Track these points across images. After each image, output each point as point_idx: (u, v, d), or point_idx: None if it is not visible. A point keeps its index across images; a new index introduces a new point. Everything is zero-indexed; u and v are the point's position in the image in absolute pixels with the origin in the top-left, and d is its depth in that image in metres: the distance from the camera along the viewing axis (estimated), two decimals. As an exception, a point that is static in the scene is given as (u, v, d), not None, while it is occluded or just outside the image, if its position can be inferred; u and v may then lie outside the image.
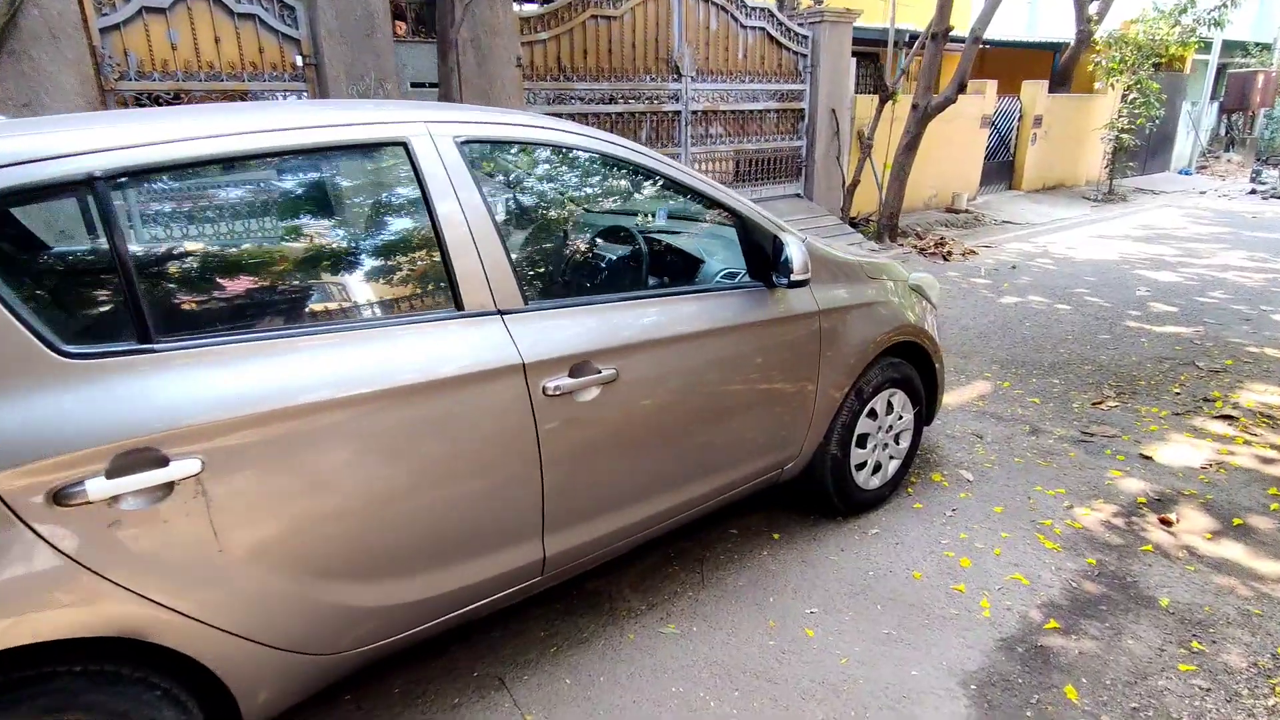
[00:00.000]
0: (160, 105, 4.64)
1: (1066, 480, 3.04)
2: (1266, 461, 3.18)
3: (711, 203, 2.17)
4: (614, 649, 2.13)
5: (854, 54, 8.58)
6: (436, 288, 1.68)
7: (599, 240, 2.32)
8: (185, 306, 1.45)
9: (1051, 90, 12.05)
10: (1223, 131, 17.72)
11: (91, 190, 1.30)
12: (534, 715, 1.89)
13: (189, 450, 1.32)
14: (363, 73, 5.26)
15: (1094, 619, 2.21)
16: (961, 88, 7.67)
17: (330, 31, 5.10)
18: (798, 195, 8.55)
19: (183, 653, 1.38)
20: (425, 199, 1.64)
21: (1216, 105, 17.29)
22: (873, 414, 2.68)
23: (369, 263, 1.68)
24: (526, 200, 2.08)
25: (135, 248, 1.39)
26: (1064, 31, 13.48)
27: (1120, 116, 11.47)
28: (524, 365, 1.70)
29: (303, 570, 1.48)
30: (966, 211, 10.19)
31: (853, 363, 2.50)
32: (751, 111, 7.84)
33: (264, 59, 5.07)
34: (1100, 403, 3.84)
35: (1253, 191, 12.67)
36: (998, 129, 11.32)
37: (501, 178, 1.96)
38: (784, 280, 2.11)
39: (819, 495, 2.67)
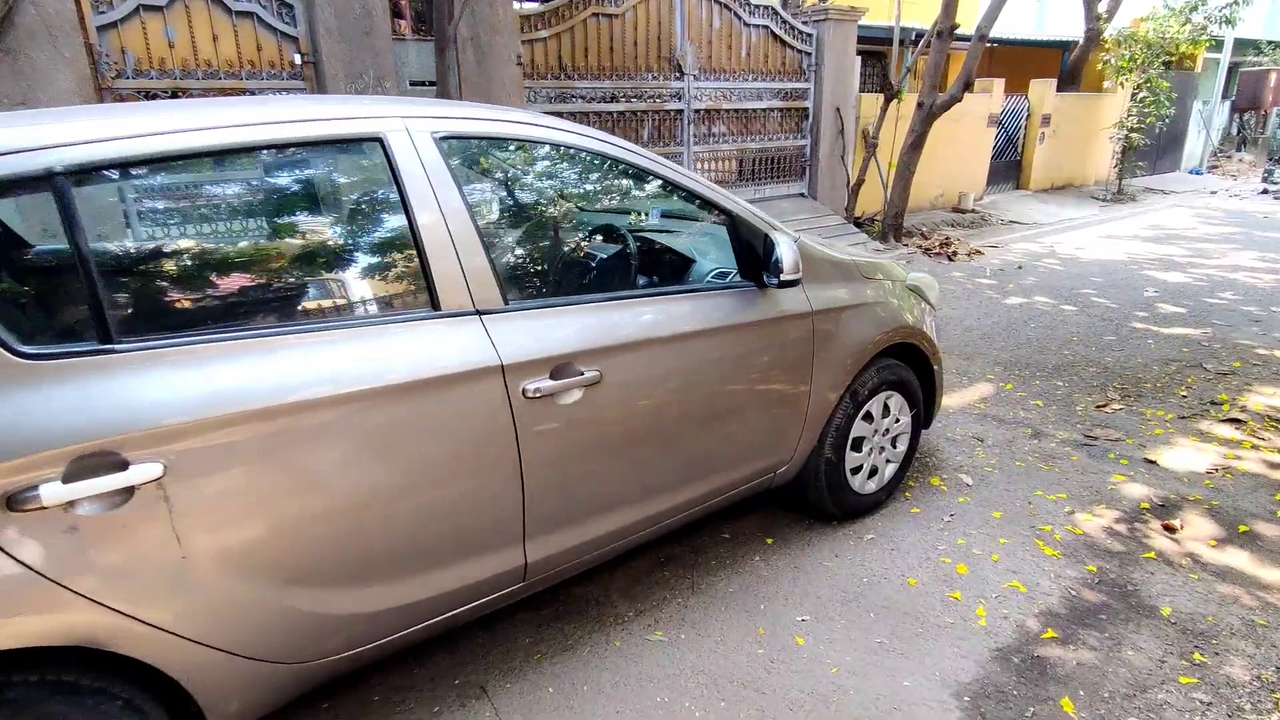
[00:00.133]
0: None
1: (1068, 485, 2.98)
2: (1274, 466, 3.11)
3: (700, 200, 2.12)
4: (599, 657, 2.08)
5: (859, 52, 8.51)
6: (412, 287, 1.64)
7: (585, 239, 2.27)
8: (149, 306, 1.42)
9: (1060, 89, 11.93)
10: (1234, 131, 17.54)
11: (51, 186, 1.26)
12: (515, 725, 1.85)
13: (150, 454, 1.28)
14: (361, 71, 5.23)
15: (1093, 629, 2.15)
16: (967, 86, 7.58)
17: (328, 30, 5.07)
18: (801, 195, 8.49)
19: (145, 662, 1.34)
20: (401, 196, 1.60)
21: (1228, 104, 17.12)
22: (868, 417, 2.62)
23: (341, 262, 1.64)
24: (509, 198, 2.03)
25: (97, 245, 1.36)
26: (1073, 30, 13.35)
27: (1130, 115, 11.34)
28: (502, 367, 1.65)
29: (271, 577, 1.45)
30: (973, 211, 10.09)
31: (847, 365, 2.45)
32: (755, 110, 7.78)
33: (262, 57, 5.05)
34: (1104, 405, 3.77)
35: (1264, 191, 12.52)
36: (1005, 128, 11.22)
37: (483, 175, 1.92)
38: (774, 280, 2.06)
39: (813, 500, 2.62)
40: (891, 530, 2.67)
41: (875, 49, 10.97)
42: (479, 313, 1.67)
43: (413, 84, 5.61)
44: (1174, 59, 11.57)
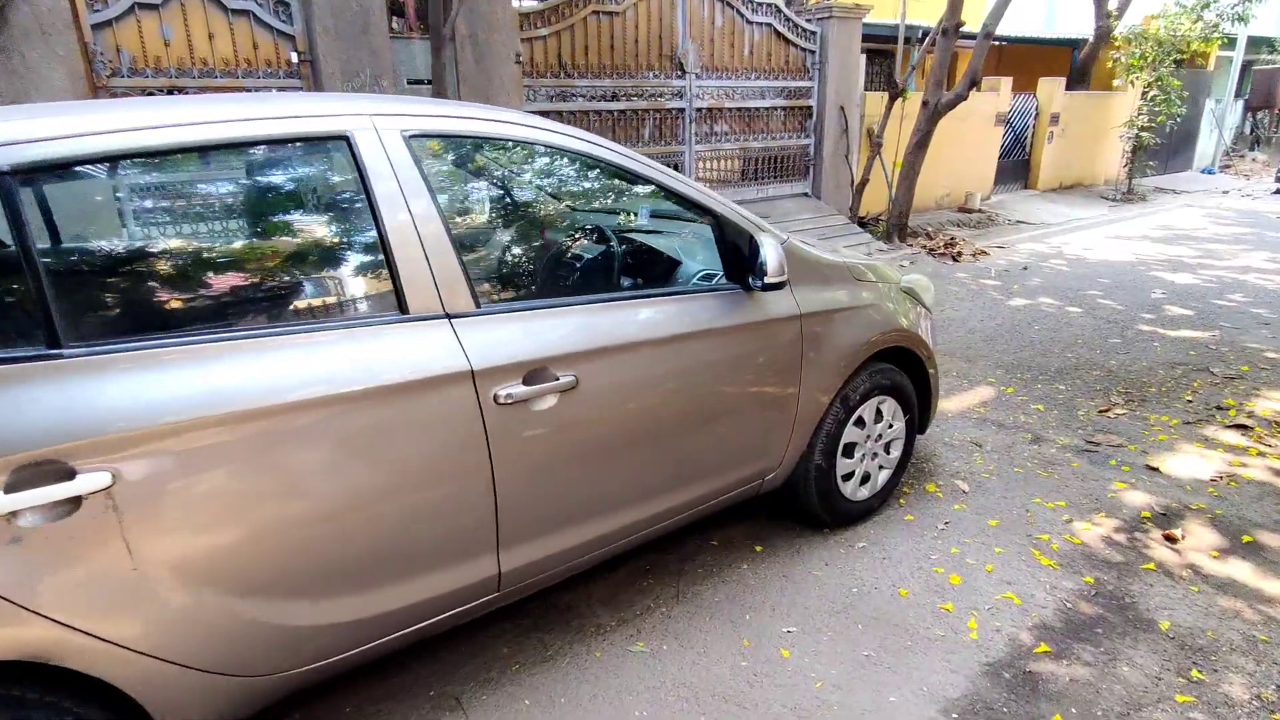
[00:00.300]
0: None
1: (1067, 492, 2.91)
2: (1281, 474, 3.03)
3: (684, 201, 2.07)
4: (579, 668, 2.03)
5: (864, 50, 8.43)
6: (379, 290, 1.59)
7: (565, 241, 2.22)
8: (100, 310, 1.37)
9: (1069, 87, 11.79)
10: (1247, 130, 17.31)
11: (-5, 185, 1.22)
12: (488, 739, 1.81)
13: (98, 463, 1.24)
14: (358, 69, 5.20)
15: (1088, 643, 2.09)
16: (973, 84, 7.49)
17: (325, 28, 5.05)
18: (805, 194, 8.41)
19: (95, 677, 1.30)
20: (367, 196, 1.56)
21: (1241, 103, 16.89)
22: (860, 422, 2.56)
23: (303, 265, 1.60)
24: (484, 198, 1.99)
25: (45, 246, 1.32)
26: (1083, 28, 13.20)
27: (1140, 114, 11.20)
28: (472, 372, 1.61)
29: (229, 589, 1.40)
30: (980, 211, 9.99)
31: (838, 369, 2.39)
32: (757, 109, 7.71)
33: (258, 55, 5.03)
34: (1107, 410, 3.70)
35: (1277, 191, 12.34)
36: (1013, 127, 11.10)
37: (457, 174, 1.87)
38: (758, 283, 2.01)
39: (803, 507, 2.56)
40: (884, 538, 2.61)
41: (880, 47, 10.86)
42: (449, 316, 1.62)
43: (411, 82, 5.58)
44: (1185, 57, 11.41)
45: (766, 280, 1.98)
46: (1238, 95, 16.55)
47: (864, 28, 8.23)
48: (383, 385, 1.50)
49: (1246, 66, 16.33)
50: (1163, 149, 12.98)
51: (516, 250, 2.03)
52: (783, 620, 2.21)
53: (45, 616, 1.23)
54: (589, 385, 1.79)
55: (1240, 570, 2.40)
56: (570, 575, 2.04)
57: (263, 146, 1.53)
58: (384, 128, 1.61)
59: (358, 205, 1.58)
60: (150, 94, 4.66)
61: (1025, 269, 7.01)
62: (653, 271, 2.33)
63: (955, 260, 7.45)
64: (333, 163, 1.60)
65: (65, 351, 1.25)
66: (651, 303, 1.98)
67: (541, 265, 2.09)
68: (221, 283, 1.49)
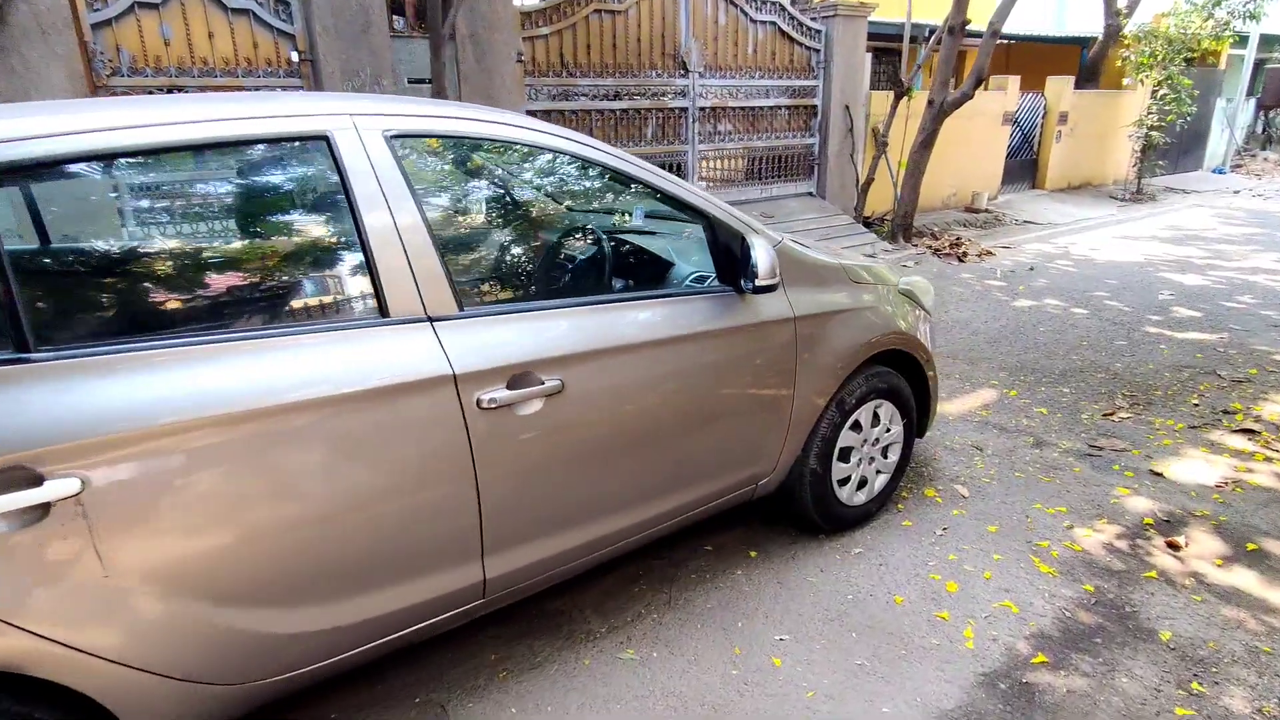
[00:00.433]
0: (152, 102, 4.59)
1: (1069, 498, 2.86)
2: (1288, 480, 2.97)
3: (674, 201, 2.04)
4: (567, 675, 2.00)
5: (869, 49, 8.36)
6: (359, 293, 1.57)
7: (551, 243, 2.19)
8: (71, 313, 1.35)
9: (1078, 86, 11.69)
10: (1259, 129, 17.13)
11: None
12: (472, 748, 1.78)
13: (68, 468, 1.22)
14: (358, 68, 5.19)
15: (1086, 653, 2.05)
16: (979, 83, 7.42)
17: (325, 27, 5.03)
18: (810, 194, 8.36)
19: (66, 686, 1.28)
20: (347, 197, 1.53)
21: (1253, 102, 16.71)
22: (857, 426, 2.52)
23: (282, 268, 1.57)
24: (469, 199, 1.96)
25: (14, 249, 1.29)
26: (1092, 26, 13.08)
27: (1150, 113, 11.07)
28: (455, 376, 1.58)
29: (203, 596, 1.38)
30: (986, 211, 9.91)
31: (833, 372, 2.35)
32: (762, 108, 7.66)
33: (258, 55, 5.02)
34: (1112, 414, 3.64)
35: (1290, 191, 12.19)
36: (1021, 126, 11.00)
37: (442, 175, 1.84)
38: (749, 285, 1.97)
39: (798, 512, 2.52)
40: (880, 544, 2.57)
41: (886, 46, 10.80)
42: (431, 319, 1.59)
43: (411, 81, 5.56)
44: (1196, 55, 11.28)
45: (758, 283, 1.95)
46: (1249, 94, 16.37)
47: (869, 26, 8.18)
48: (362, 390, 1.48)
49: (1259, 65, 16.15)
50: (1173, 148, 12.86)
51: (502, 252, 2.00)
52: (775, 628, 2.17)
53: (13, 625, 1.21)
54: (575, 389, 1.76)
55: (1244, 579, 2.35)
56: (560, 581, 2.02)
57: (240, 147, 1.50)
58: (365, 127, 1.58)
59: (337, 206, 1.55)
60: (150, 93, 4.65)
61: (1031, 270, 6.94)
62: (644, 273, 2.29)
63: (960, 260, 7.39)
64: (312, 163, 1.57)
65: (34, 356, 1.23)
66: (641, 305, 1.95)
67: (528, 267, 2.07)
68: (196, 286, 1.47)
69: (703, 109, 7.21)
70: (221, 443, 1.35)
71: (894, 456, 2.70)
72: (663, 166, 7.05)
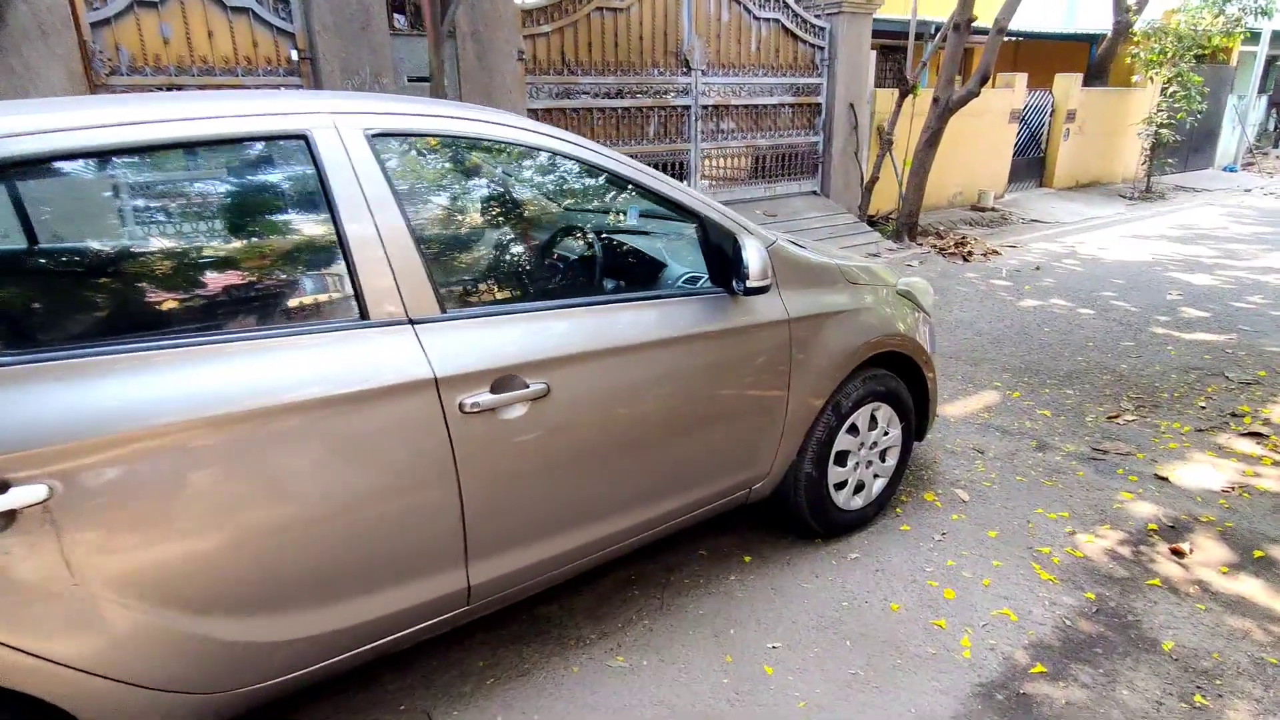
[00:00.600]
0: (151, 101, 4.58)
1: (1072, 503, 2.81)
2: (1296, 485, 2.92)
3: (665, 201, 2.00)
4: (555, 683, 1.97)
5: (874, 47, 8.30)
6: (338, 295, 1.54)
7: (539, 243, 2.16)
8: (38, 316, 1.33)
9: (1086, 83, 11.58)
10: (1271, 126, 16.94)
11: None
12: (456, 757, 1.75)
13: (34, 475, 1.19)
14: (358, 67, 5.17)
15: (1087, 663, 2.00)
16: (985, 80, 7.35)
17: (324, 25, 5.01)
18: (814, 192, 8.30)
19: (34, 696, 1.26)
20: (327, 197, 1.50)
21: (1265, 99, 16.53)
22: (854, 430, 2.48)
23: (258, 269, 1.54)
24: (453, 199, 1.92)
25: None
26: (1101, 23, 12.96)
27: (1159, 111, 10.96)
28: (436, 380, 1.55)
29: (176, 605, 1.35)
30: (993, 210, 9.82)
31: (829, 375, 2.31)
32: (765, 106, 7.61)
33: (258, 53, 5.00)
34: (1116, 416, 3.58)
35: (1302, 189, 12.06)
36: (1028, 124, 10.90)
37: (426, 175, 1.81)
38: (740, 286, 1.93)
39: (793, 517, 2.48)
40: (877, 549, 2.53)
41: (891, 43, 10.73)
42: (412, 322, 1.56)
43: (412, 80, 5.53)
44: (1207, 52, 11.16)
45: (749, 284, 1.91)
46: (1261, 91, 16.19)
47: (874, 23, 8.11)
48: (339, 394, 1.45)
49: (1271, 62, 15.98)
50: (1183, 146, 12.72)
51: (487, 253, 1.96)
52: (768, 635, 2.13)
53: (-21, 634, 1.18)
54: (562, 393, 1.73)
55: (1250, 588, 2.30)
56: (548, 587, 1.98)
57: (215, 147, 1.47)
58: (345, 126, 1.55)
59: (316, 207, 1.52)
60: (149, 93, 4.64)
61: (1037, 269, 6.87)
62: (635, 274, 2.26)
63: (966, 260, 7.32)
64: (291, 163, 1.54)
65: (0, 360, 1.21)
66: (630, 306, 1.91)
67: (514, 268, 2.03)
68: (169, 289, 1.44)
69: (705, 107, 7.16)
70: (196, 448, 1.33)
71: (892, 460, 2.66)
72: (666, 165, 7.05)
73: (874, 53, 8.29)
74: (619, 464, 1.91)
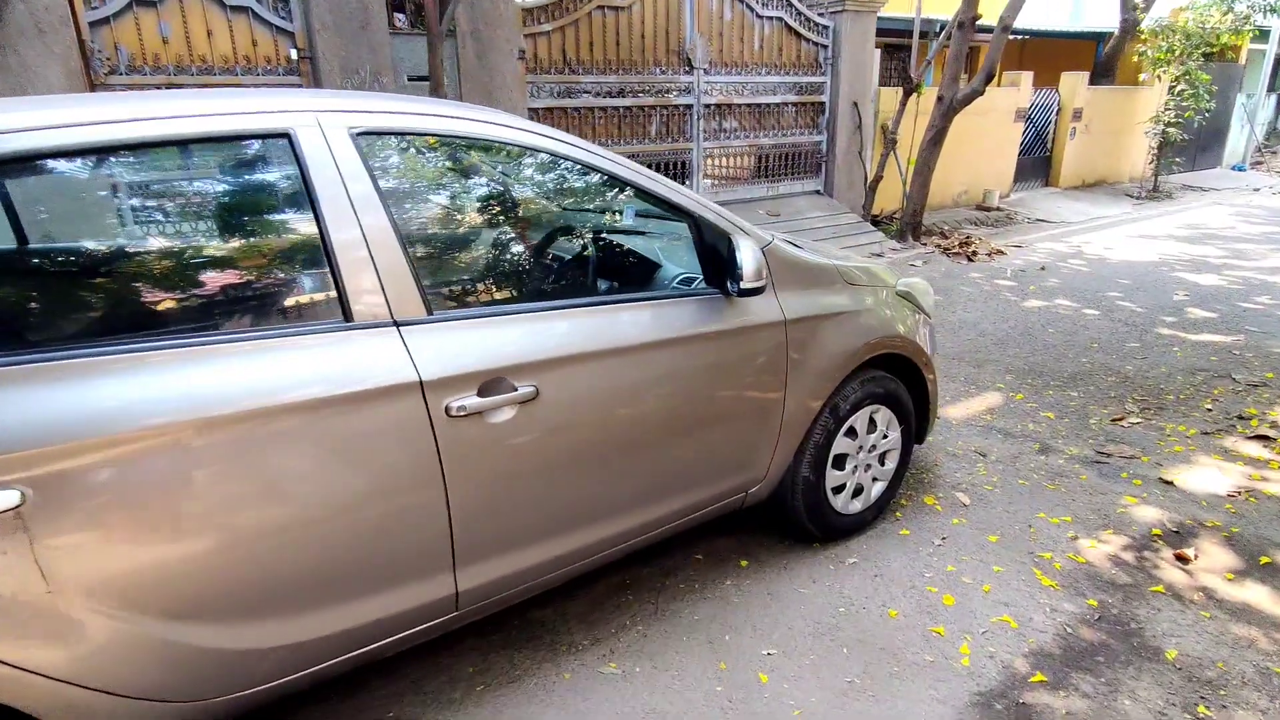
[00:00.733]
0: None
1: (1074, 507, 2.77)
2: (1304, 490, 2.87)
3: (657, 200, 1.96)
4: (546, 689, 1.94)
5: (878, 45, 8.25)
6: (321, 297, 1.51)
7: (528, 244, 2.12)
8: (14, 317, 1.30)
9: (1093, 82, 11.49)
10: (1280, 125, 16.80)
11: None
12: (443, 766, 1.72)
13: (7, 480, 1.17)
14: (357, 66, 5.15)
15: (1088, 672, 1.96)
16: (990, 79, 7.29)
17: (324, 24, 5.00)
18: (818, 192, 8.26)
19: (6, 705, 1.23)
20: (310, 196, 1.47)
21: (1274, 97, 16.39)
22: (852, 433, 2.44)
23: (239, 270, 1.51)
24: (440, 199, 1.89)
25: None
26: (1108, 21, 12.87)
27: (1167, 109, 10.86)
28: (421, 383, 1.52)
29: (154, 612, 1.33)
30: (998, 209, 9.76)
31: (826, 377, 2.28)
32: (768, 105, 7.57)
33: (257, 52, 4.99)
34: (1121, 419, 3.54)
35: (1311, 189, 11.94)
36: (1034, 123, 10.83)
37: (412, 174, 1.78)
38: (734, 288, 1.90)
39: (790, 521, 2.45)
40: (876, 554, 2.49)
41: (895, 41, 10.67)
42: (397, 324, 1.53)
43: (411, 79, 5.51)
44: (1215, 50, 11.06)
45: (742, 285, 1.87)
46: (1270, 90, 16.05)
47: (879, 21, 8.05)
48: (322, 397, 1.42)
49: (1280, 60, 15.83)
50: (1190, 145, 12.63)
51: (476, 254, 1.93)
52: (764, 641, 2.10)
53: (-51, 643, 1.16)
54: (551, 396, 1.70)
55: (1256, 594, 2.26)
56: (538, 593, 1.95)
57: (196, 145, 1.45)
58: (329, 125, 1.53)
59: (299, 206, 1.50)
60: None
61: (1043, 269, 6.81)
62: (628, 275, 2.22)
63: (970, 260, 7.26)
64: (273, 162, 1.52)
65: (-28, 362, 1.18)
66: (621, 308, 1.88)
67: (503, 269, 2.00)
68: (148, 290, 1.42)
69: (708, 106, 7.13)
70: (174, 453, 1.30)
71: (891, 464, 2.62)
72: (668, 165, 7.01)
73: (878, 51, 8.24)
74: (610, 468, 1.88)
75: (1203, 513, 2.72)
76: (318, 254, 1.48)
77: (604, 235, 2.28)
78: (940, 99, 7.46)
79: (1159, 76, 11.20)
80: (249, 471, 1.37)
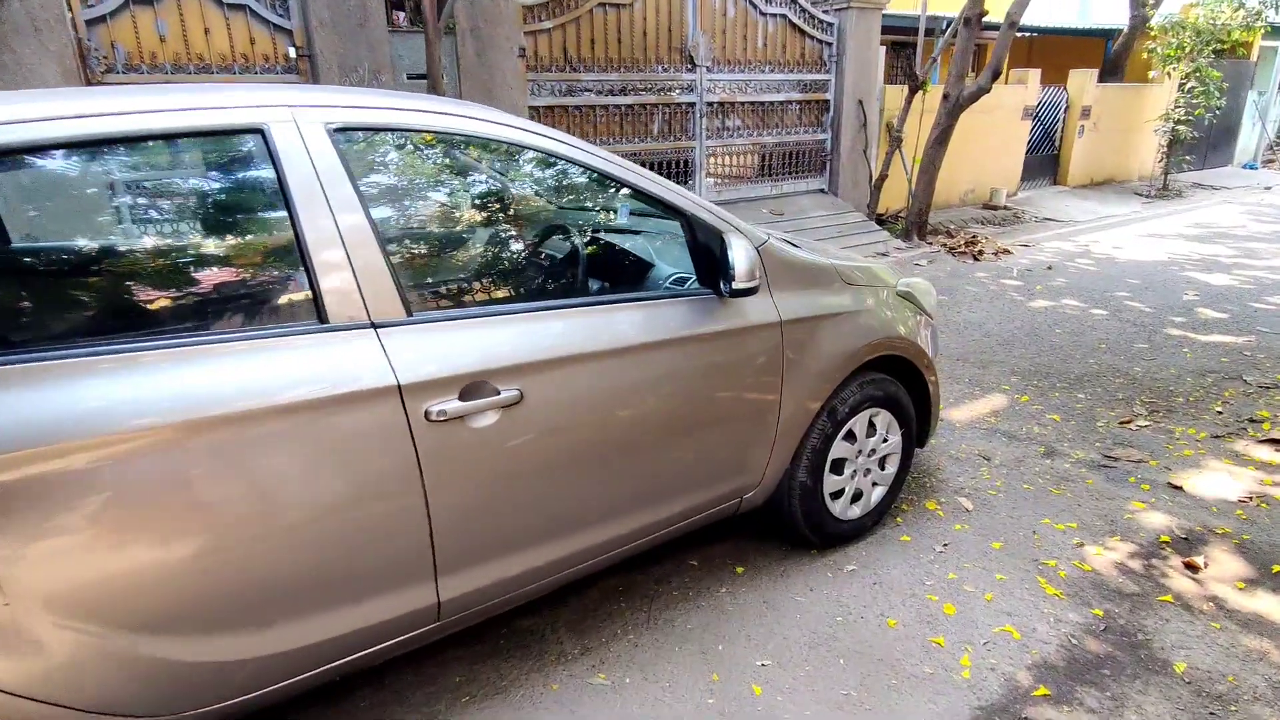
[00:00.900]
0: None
1: (1080, 513, 2.70)
2: (1318, 495, 2.79)
3: (648, 198, 1.91)
4: (532, 701, 1.89)
5: (883, 42, 8.17)
6: (295, 298, 1.46)
7: (513, 243, 2.07)
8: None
9: (1102, 79, 11.37)
10: (1293, 123, 16.58)
11: None
12: (425, 781, 1.67)
13: (-42, 489, 1.12)
14: (356, 64, 5.11)
15: (1093, 685, 1.90)
16: (996, 76, 7.19)
17: (321, 21, 4.96)
18: (822, 190, 8.18)
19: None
20: (284, 194, 1.43)
21: (1286, 95, 16.18)
22: (851, 436, 2.38)
23: (210, 270, 1.46)
24: (422, 197, 1.84)
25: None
26: (1117, 17, 12.74)
27: (1177, 107, 10.73)
28: (399, 387, 1.47)
29: (120, 623, 1.28)
30: (1005, 208, 9.66)
31: (824, 379, 2.22)
32: (772, 103, 7.50)
33: (255, 51, 4.96)
34: (1129, 422, 3.46)
35: (1324, 187, 11.78)
36: (1041, 121, 10.72)
37: (392, 171, 1.73)
38: (727, 288, 1.84)
39: (787, 526, 2.39)
40: (875, 561, 2.43)
41: (901, 39, 10.58)
42: (374, 325, 1.48)
43: (410, 77, 5.47)
44: (1226, 47, 10.91)
45: (735, 285, 1.81)
46: (1282, 87, 15.85)
47: (884, 19, 7.97)
48: (296, 401, 1.37)
49: (1292, 57, 15.63)
50: (1201, 143, 12.48)
51: (458, 253, 1.88)
52: (758, 652, 2.04)
53: (-100, 658, 1.12)
54: (536, 399, 1.64)
55: (1269, 605, 2.19)
56: (524, 602, 1.90)
57: (166, 141, 1.40)
58: (305, 120, 1.48)
59: (273, 204, 1.45)
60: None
61: (1050, 269, 6.72)
62: (617, 275, 2.17)
63: (976, 259, 7.18)
64: (247, 158, 1.47)
65: (-76, 366, 1.14)
66: (610, 309, 1.82)
67: (488, 269, 1.94)
68: (107, 291, 1.37)
69: (711, 104, 7.06)
70: (141, 459, 1.25)
71: (892, 468, 2.56)
72: (670, 163, 6.95)
73: (883, 49, 8.16)
74: (598, 474, 1.82)
75: (1213, 519, 2.65)
76: (291, 253, 1.43)
77: (592, 233, 2.23)
78: (946, 97, 7.38)
79: (1169, 74, 11.07)
80: (217, 480, 1.32)
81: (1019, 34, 8.11)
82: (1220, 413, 3.55)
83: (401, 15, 5.68)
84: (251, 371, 1.35)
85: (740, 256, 1.81)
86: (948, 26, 8.52)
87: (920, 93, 7.86)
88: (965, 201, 9.78)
